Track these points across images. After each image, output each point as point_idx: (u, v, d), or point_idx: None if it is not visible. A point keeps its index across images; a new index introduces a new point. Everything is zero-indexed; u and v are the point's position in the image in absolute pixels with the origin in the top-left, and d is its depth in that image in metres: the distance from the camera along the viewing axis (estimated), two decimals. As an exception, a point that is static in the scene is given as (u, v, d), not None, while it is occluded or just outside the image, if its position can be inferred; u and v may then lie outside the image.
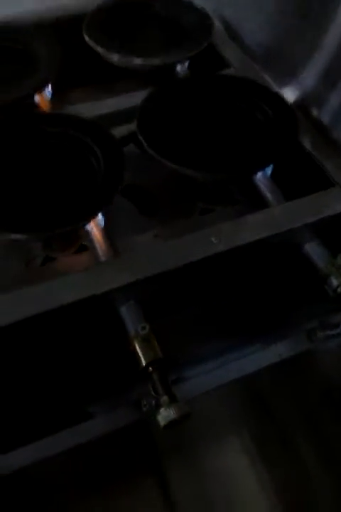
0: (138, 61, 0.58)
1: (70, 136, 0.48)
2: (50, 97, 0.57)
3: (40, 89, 0.54)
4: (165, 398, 0.38)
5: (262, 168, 0.49)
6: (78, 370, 0.50)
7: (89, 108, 0.54)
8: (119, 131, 0.55)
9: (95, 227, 0.46)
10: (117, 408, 0.50)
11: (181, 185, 0.60)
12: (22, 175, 0.47)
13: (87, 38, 0.59)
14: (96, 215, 0.44)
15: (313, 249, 0.46)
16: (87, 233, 0.47)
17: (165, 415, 0.37)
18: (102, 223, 0.46)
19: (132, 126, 0.52)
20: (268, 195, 0.51)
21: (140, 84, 0.65)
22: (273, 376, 0.56)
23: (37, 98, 0.56)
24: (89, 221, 0.44)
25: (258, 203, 0.52)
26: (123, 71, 0.62)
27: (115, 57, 0.59)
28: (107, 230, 0.46)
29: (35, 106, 0.57)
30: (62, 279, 0.41)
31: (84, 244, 0.52)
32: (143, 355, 0.39)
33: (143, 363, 0.39)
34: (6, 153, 0.48)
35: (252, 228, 0.44)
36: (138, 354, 0.39)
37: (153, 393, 0.39)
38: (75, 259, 0.51)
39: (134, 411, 0.49)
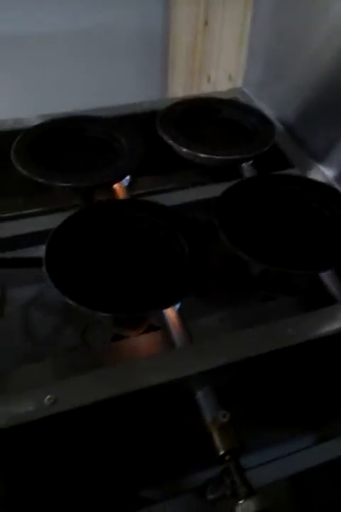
0: (204, 156, 0.63)
1: (155, 222, 0.52)
2: (126, 184, 0.62)
3: (121, 178, 0.59)
4: (244, 489, 0.38)
5: (327, 269, 0.52)
6: (134, 453, 0.51)
7: (165, 198, 0.58)
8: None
9: (171, 311, 0.48)
10: (178, 495, 0.49)
11: (245, 272, 0.63)
12: (109, 257, 0.51)
13: (160, 132, 0.65)
14: (179, 302, 0.46)
15: None
16: (158, 314, 0.50)
17: (245, 507, 0.37)
18: (177, 308, 0.49)
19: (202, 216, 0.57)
20: (334, 290, 0.53)
21: (203, 178, 0.71)
22: (322, 475, 0.54)
23: (115, 185, 0.61)
24: (171, 307, 0.47)
25: (320, 294, 0.54)
26: (188, 164, 0.67)
27: (184, 151, 0.64)
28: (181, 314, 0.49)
29: (112, 192, 0.61)
30: (142, 362, 0.43)
31: (152, 324, 0.55)
32: (221, 443, 0.40)
33: (221, 451, 0.39)
34: (96, 235, 0.52)
35: (325, 321, 0.46)
36: (215, 441, 0.40)
37: (228, 483, 0.40)
38: (144, 339, 0.53)
39: (197, 498, 0.48)
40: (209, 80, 1.01)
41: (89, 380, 0.41)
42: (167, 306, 0.47)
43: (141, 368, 0.42)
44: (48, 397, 0.39)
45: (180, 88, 1.17)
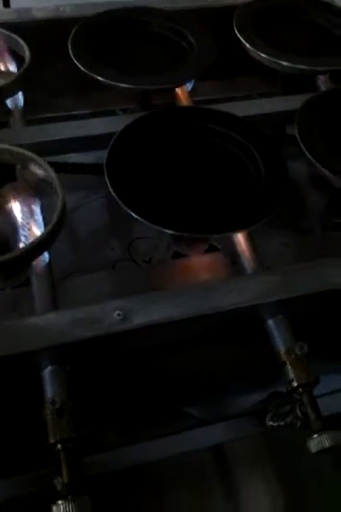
0: (286, 64, 0.56)
1: (230, 137, 0.47)
2: (189, 88, 0.56)
3: (188, 81, 0.53)
4: (318, 423, 0.36)
5: None
6: (187, 371, 0.50)
7: (230, 107, 0.53)
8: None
9: (241, 235, 0.45)
10: (232, 417, 0.49)
11: (312, 196, 0.58)
12: (176, 170, 0.47)
13: (237, 33, 0.58)
14: (258, 224, 0.42)
15: None
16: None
17: (317, 442, 0.36)
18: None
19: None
20: None
21: (271, 87, 0.64)
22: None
23: (177, 89, 0.55)
24: (248, 229, 0.43)
25: None
26: (254, 69, 0.60)
27: (263, 56, 0.57)
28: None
29: (174, 95, 0.56)
30: (215, 284, 0.40)
31: (213, 244, 0.51)
32: (297, 375, 0.38)
33: (295, 383, 0.38)
34: (162, 145, 0.48)
35: None
36: (288, 372, 0.38)
37: (300, 415, 0.38)
38: (204, 259, 0.50)
39: (254, 423, 0.47)
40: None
41: (158, 297, 0.39)
42: (240, 230, 0.43)
43: (213, 290, 0.39)
44: (117, 312, 0.37)
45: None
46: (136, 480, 0.46)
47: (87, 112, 0.63)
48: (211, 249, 0.51)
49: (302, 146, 0.46)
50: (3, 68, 0.56)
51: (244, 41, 0.57)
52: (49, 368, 0.37)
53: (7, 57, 0.57)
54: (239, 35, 0.57)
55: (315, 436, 0.36)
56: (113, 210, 0.60)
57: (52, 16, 0.60)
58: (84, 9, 0.61)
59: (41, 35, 0.58)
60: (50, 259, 0.43)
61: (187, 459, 0.47)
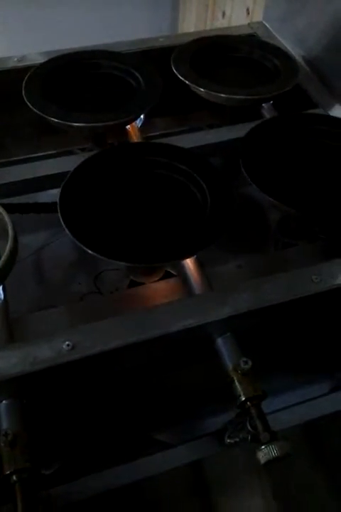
0: (224, 96, 0.59)
1: (175, 167, 0.50)
2: (140, 125, 0.59)
3: (137, 117, 0.56)
4: (265, 435, 0.38)
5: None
6: (150, 397, 0.51)
7: (180, 140, 0.55)
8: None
9: (190, 260, 0.47)
10: (195, 438, 0.50)
11: (264, 218, 0.61)
12: (126, 203, 0.49)
13: (175, 70, 0.61)
14: (203, 250, 0.44)
15: None
16: (177, 263, 0.49)
17: (266, 452, 0.37)
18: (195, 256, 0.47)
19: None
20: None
21: (219, 119, 0.68)
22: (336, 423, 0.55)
23: (128, 126, 0.58)
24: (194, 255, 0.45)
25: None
26: (203, 104, 0.63)
27: (202, 91, 0.60)
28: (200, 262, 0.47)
29: (126, 133, 0.58)
30: (161, 308, 0.42)
31: (169, 271, 0.53)
32: (243, 389, 0.39)
33: (243, 397, 0.39)
34: (112, 180, 0.50)
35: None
36: (236, 388, 0.39)
37: (249, 429, 0.39)
38: (161, 286, 0.52)
39: (214, 441, 0.48)
40: (224, 15, 0.94)
41: (107, 326, 0.40)
42: (188, 257, 0.45)
43: (160, 314, 0.41)
44: (66, 343, 0.39)
45: (191, 24, 1.10)
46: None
47: (49, 153, 0.66)
48: (169, 275, 0.53)
49: (245, 173, 0.48)
50: None
51: (181, 77, 0.59)
52: (4, 402, 0.38)
53: None
54: (176, 72, 0.60)
55: (263, 447, 0.37)
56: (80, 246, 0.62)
57: (7, 66, 0.63)
58: (40, 57, 0.64)
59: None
60: (5, 297, 0.45)
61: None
